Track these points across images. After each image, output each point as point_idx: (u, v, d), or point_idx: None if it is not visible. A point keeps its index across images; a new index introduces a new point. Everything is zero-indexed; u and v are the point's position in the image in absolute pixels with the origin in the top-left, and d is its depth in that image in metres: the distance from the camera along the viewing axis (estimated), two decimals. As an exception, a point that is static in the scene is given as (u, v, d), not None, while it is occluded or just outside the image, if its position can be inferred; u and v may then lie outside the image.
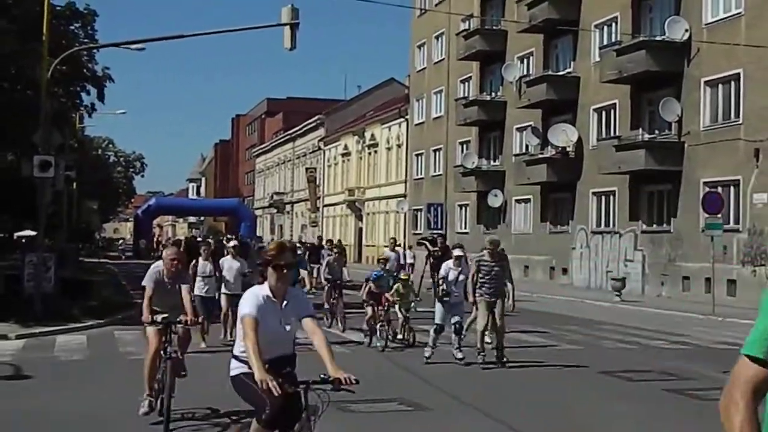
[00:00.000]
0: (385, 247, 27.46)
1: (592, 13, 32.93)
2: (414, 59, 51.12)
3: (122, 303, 21.83)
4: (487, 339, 12.91)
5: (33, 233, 29.90)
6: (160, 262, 8.76)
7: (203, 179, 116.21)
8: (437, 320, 12.88)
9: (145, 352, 8.69)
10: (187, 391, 8.57)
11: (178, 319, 8.30)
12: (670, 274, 28.38)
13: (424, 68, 49.40)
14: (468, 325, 13.78)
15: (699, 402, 10.08)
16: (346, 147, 63.53)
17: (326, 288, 17.79)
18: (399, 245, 31.42)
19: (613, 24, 31.78)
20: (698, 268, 26.46)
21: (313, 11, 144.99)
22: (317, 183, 69.18)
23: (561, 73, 35.00)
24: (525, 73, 37.09)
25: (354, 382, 4.85)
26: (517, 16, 36.51)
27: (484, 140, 42.20)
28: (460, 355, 12.62)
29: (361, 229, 59.85)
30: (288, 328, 5.33)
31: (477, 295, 12.65)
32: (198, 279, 14.25)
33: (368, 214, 58.66)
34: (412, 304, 14.74)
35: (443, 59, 46.42)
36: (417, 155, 49.92)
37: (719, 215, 23.66)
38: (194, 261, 14.71)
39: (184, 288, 8.61)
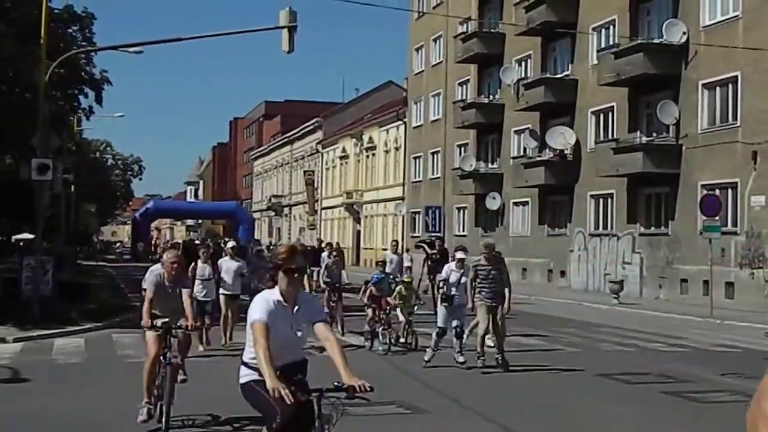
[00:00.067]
0: (385, 250, 27.45)
1: (590, 16, 32.96)
2: (412, 62, 51.12)
3: (120, 306, 21.81)
4: (489, 342, 12.88)
5: (31, 236, 29.95)
6: (158, 266, 8.68)
7: (201, 182, 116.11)
8: (439, 323, 12.84)
9: (144, 356, 8.61)
10: (186, 397, 8.54)
11: (178, 324, 8.25)
12: (668, 276, 28.39)
13: (422, 71, 49.39)
14: (470, 329, 13.78)
15: (697, 404, 10.11)
16: (344, 150, 63.53)
17: (326, 291, 17.80)
18: (406, 249, 31.33)
19: (611, 27, 31.78)
20: (696, 271, 26.47)
21: (311, 14, 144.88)
22: (315, 186, 69.17)
23: (559, 75, 35.01)
24: (523, 75, 37.12)
25: (369, 389, 4.67)
26: (515, 19, 36.55)
27: (482, 143, 42.21)
28: (461, 359, 12.60)
29: (359, 232, 59.80)
30: (299, 333, 5.13)
31: (476, 299, 12.63)
32: (197, 282, 14.23)
33: (366, 217, 58.61)
34: (415, 307, 14.71)
35: (441, 62, 46.41)
36: (415, 158, 49.91)
37: (717, 218, 23.68)
38: (193, 264, 14.70)
39: (185, 292, 8.51)
